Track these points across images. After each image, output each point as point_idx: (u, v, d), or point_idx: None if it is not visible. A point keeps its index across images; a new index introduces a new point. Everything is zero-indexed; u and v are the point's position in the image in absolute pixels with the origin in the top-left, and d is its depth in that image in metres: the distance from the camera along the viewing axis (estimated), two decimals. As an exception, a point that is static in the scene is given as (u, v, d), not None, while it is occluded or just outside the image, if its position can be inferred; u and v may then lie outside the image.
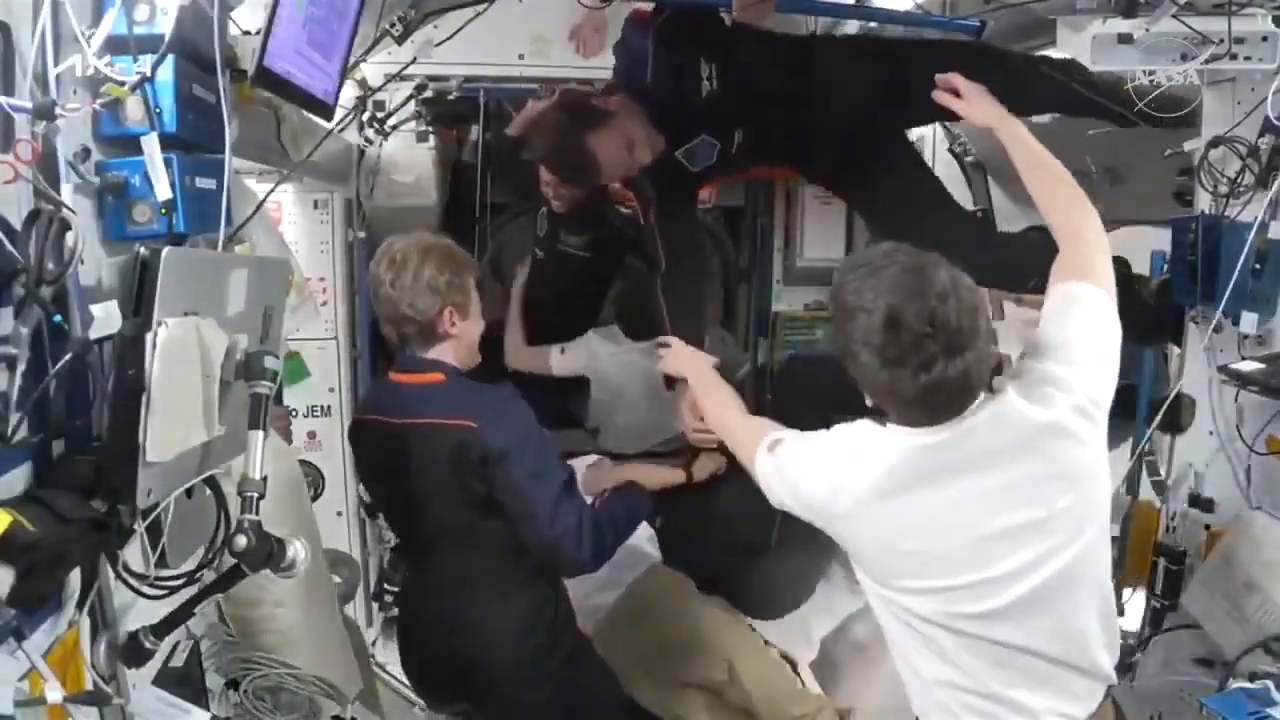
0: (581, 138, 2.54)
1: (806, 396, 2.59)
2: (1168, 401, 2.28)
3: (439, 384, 2.22)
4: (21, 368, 1.20)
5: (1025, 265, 2.07)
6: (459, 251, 2.31)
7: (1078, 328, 1.63)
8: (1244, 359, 2.08)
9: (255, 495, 1.42)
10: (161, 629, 1.48)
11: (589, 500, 2.29)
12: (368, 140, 3.47)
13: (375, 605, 3.63)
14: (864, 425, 1.67)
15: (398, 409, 2.23)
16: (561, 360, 3.74)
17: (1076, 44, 1.94)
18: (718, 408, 2.14)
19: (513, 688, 2.30)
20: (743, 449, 1.90)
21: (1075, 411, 1.56)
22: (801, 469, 1.74)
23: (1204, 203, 2.21)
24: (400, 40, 2.31)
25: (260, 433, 1.44)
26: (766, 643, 2.95)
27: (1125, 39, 1.90)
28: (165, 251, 1.29)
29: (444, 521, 2.23)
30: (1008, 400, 1.56)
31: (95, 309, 1.32)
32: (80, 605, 1.36)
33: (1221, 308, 2.13)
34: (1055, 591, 1.59)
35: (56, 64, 1.30)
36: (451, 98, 3.49)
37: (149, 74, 1.41)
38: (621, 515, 2.30)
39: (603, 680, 2.52)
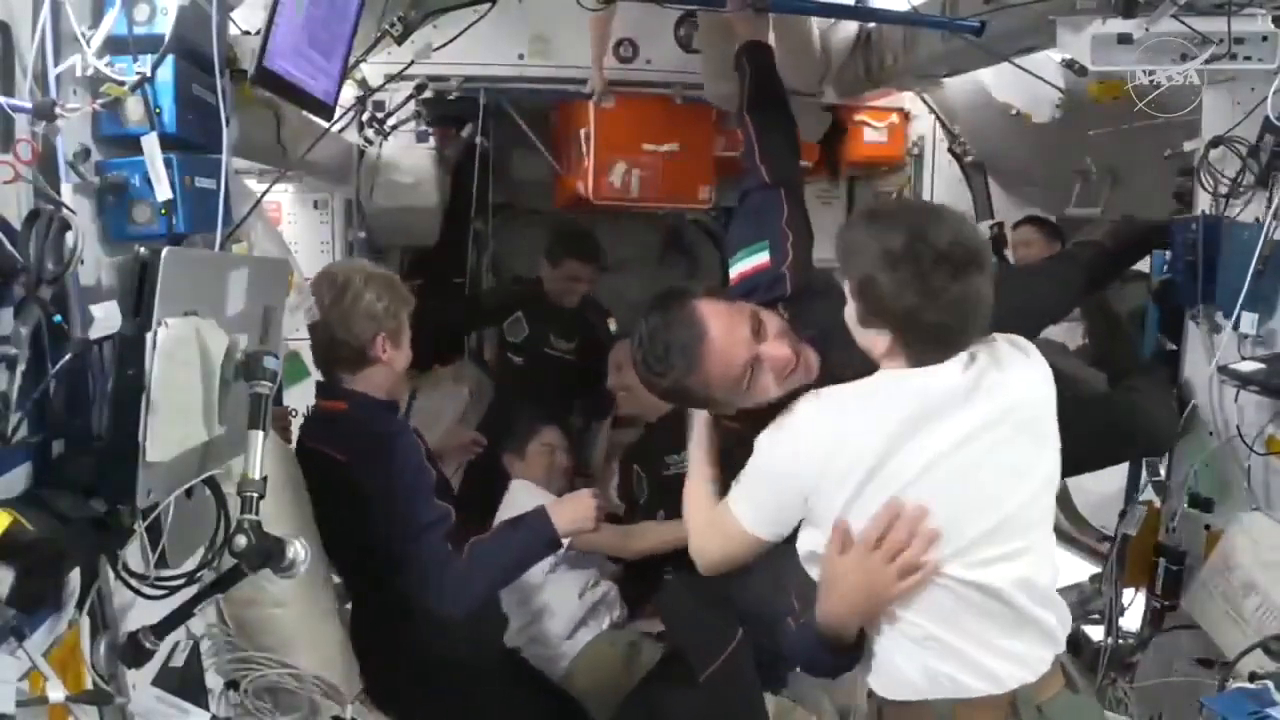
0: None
1: None
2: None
3: (339, 411, 2.29)
4: (21, 368, 1.20)
5: None
6: (400, 283, 2.38)
7: None
8: (1244, 359, 2.08)
9: (255, 495, 1.42)
10: (161, 629, 1.48)
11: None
12: (368, 140, 3.47)
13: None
14: (839, 387, 1.68)
15: (312, 431, 2.30)
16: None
17: (1076, 44, 1.94)
18: (699, 486, 1.95)
19: (443, 700, 2.36)
20: (706, 514, 1.85)
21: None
22: (786, 449, 1.68)
23: (1204, 203, 2.21)
24: (400, 40, 2.30)
25: (260, 433, 1.45)
26: None
27: (1125, 39, 1.89)
28: (165, 251, 1.29)
29: (344, 545, 2.24)
30: (995, 340, 1.67)
31: (95, 309, 1.32)
32: (80, 605, 1.36)
33: (1221, 308, 2.14)
34: (1036, 529, 1.66)
35: (56, 64, 1.30)
36: (452, 98, 3.50)
37: (149, 74, 1.41)
38: (494, 561, 2.24)
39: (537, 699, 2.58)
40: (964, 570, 1.59)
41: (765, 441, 1.71)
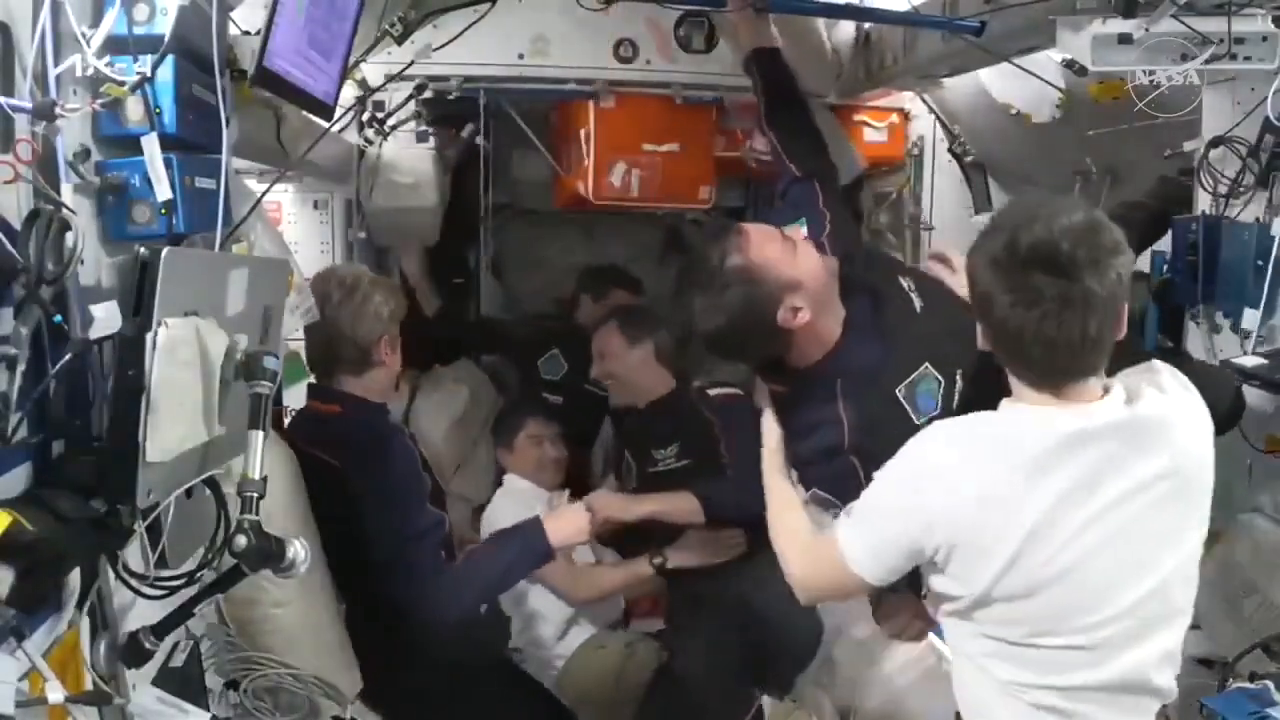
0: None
1: None
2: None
3: (333, 415, 2.30)
4: (21, 368, 1.19)
5: None
6: (400, 289, 2.46)
7: None
8: (1246, 354, 2.08)
9: (255, 495, 1.42)
10: (161, 629, 1.48)
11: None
12: (368, 140, 3.47)
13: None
14: (982, 414, 1.51)
15: (305, 434, 2.29)
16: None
17: (1076, 44, 1.94)
18: (782, 500, 1.84)
19: (441, 701, 2.37)
20: (804, 543, 1.72)
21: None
22: (910, 488, 1.51)
23: (1204, 203, 2.21)
24: (400, 40, 2.31)
25: (260, 433, 1.45)
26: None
27: (1125, 39, 1.89)
28: (165, 251, 1.29)
29: (337, 549, 2.23)
30: (1157, 369, 1.51)
31: (95, 309, 1.32)
32: (80, 605, 1.36)
33: (1221, 308, 2.14)
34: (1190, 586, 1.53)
35: (56, 64, 1.30)
36: (451, 98, 3.49)
37: (149, 74, 1.41)
38: (485, 571, 2.27)
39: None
40: (1114, 650, 1.47)
41: (887, 476, 1.56)
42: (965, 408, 1.89)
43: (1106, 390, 1.47)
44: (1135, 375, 1.50)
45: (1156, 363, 1.54)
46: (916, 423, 1.90)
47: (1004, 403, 1.52)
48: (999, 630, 1.51)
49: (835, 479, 1.85)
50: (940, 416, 1.92)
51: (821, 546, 1.64)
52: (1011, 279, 1.40)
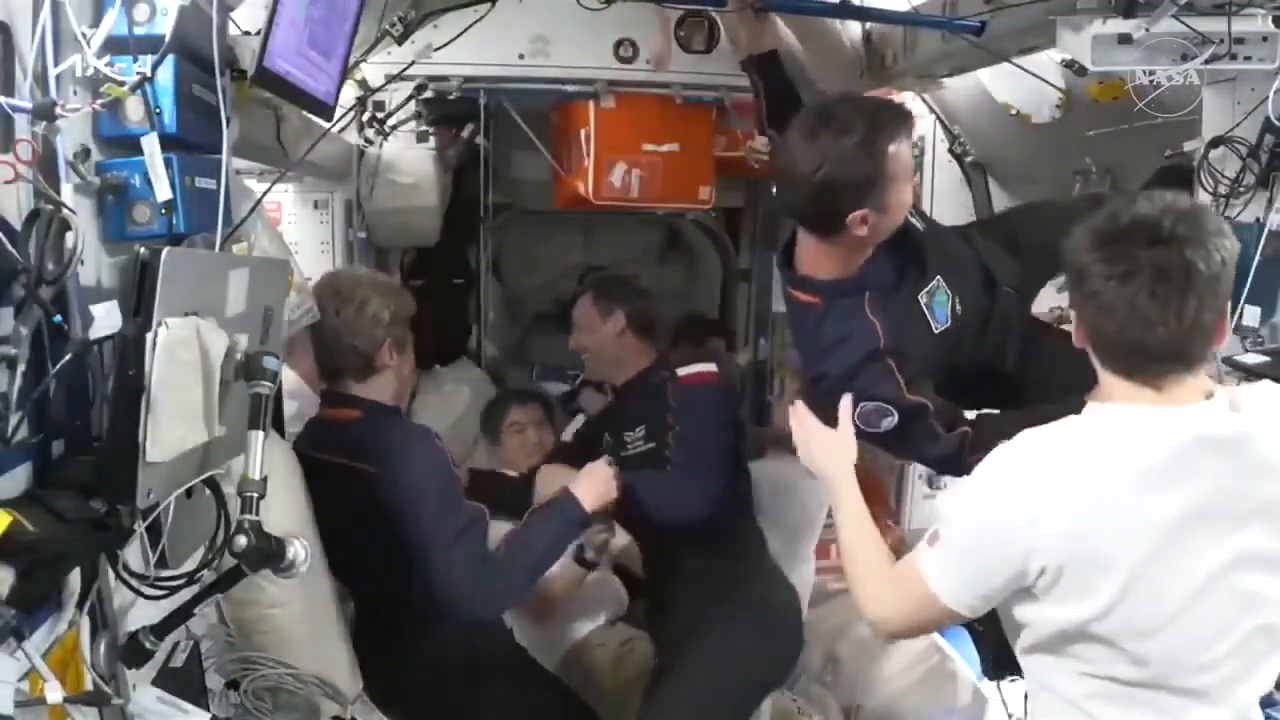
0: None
1: None
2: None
3: (354, 420, 2.27)
4: (21, 368, 1.20)
5: None
6: (402, 290, 2.43)
7: None
8: (1247, 351, 2.08)
9: (255, 495, 1.42)
10: (161, 629, 1.48)
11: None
12: (368, 141, 3.47)
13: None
14: (1072, 420, 1.40)
15: (323, 443, 2.27)
16: None
17: (1076, 44, 1.94)
18: (858, 526, 1.64)
19: (451, 701, 2.35)
20: (882, 575, 1.55)
21: None
22: (1005, 499, 1.37)
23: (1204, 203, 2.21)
24: (400, 41, 2.32)
25: (260, 433, 1.45)
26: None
27: (1125, 39, 1.90)
28: (165, 252, 1.29)
29: (361, 555, 2.23)
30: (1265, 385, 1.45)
31: (95, 309, 1.32)
32: (80, 605, 1.36)
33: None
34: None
35: (56, 64, 1.30)
36: (452, 98, 3.50)
37: (149, 74, 1.41)
38: (531, 553, 2.25)
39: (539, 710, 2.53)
40: (1228, 688, 1.37)
41: (976, 494, 1.43)
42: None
43: (1208, 395, 1.36)
44: (1240, 393, 1.40)
45: (1268, 382, 1.48)
46: (935, 332, 2.01)
47: (1092, 404, 1.40)
48: (1110, 668, 1.37)
49: (877, 381, 1.89)
50: (950, 330, 2.03)
51: (903, 578, 1.49)
52: (1109, 249, 1.31)
